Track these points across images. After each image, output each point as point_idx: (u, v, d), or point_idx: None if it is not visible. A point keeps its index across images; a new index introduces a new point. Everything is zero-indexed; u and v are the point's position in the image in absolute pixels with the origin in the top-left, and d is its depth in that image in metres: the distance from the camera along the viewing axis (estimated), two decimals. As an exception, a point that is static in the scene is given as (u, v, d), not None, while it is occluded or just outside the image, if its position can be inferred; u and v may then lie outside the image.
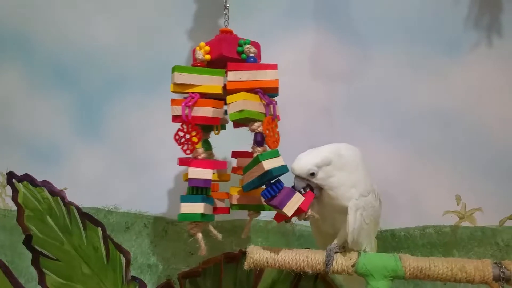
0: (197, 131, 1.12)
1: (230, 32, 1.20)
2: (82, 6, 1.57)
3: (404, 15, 1.40)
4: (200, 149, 1.15)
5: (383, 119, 1.42)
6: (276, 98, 1.18)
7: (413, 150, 1.40)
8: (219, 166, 1.19)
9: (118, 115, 1.56)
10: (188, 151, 1.13)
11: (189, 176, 1.12)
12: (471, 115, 1.37)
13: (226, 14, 1.26)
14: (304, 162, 1.03)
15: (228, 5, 1.26)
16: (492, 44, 1.35)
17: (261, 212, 1.24)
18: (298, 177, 1.04)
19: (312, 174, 1.02)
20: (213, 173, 1.21)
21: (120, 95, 1.56)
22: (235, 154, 1.27)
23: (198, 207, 1.11)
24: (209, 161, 1.15)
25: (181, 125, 1.12)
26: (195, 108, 1.11)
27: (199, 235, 1.14)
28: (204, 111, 1.12)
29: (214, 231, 1.19)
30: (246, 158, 1.22)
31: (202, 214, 1.11)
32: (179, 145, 1.12)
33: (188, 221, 1.12)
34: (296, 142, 1.36)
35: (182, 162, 1.18)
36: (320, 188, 1.04)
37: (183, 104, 1.10)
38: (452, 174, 1.37)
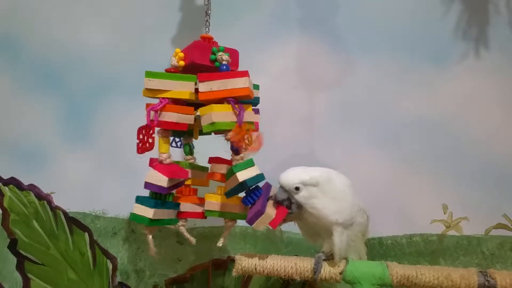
0: (153, 138, 1.14)
1: (210, 38, 1.20)
2: (70, 10, 1.57)
3: (392, 25, 1.42)
4: (165, 154, 1.16)
5: (370, 128, 1.43)
6: (259, 105, 1.18)
7: (400, 159, 1.41)
8: (178, 175, 1.17)
9: (106, 119, 1.56)
10: (139, 150, 1.16)
11: (145, 179, 1.13)
12: (457, 125, 1.39)
13: (207, 20, 1.26)
14: (292, 175, 1.03)
15: (209, 12, 1.26)
16: (479, 56, 1.38)
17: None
18: (282, 187, 1.04)
19: (297, 188, 1.02)
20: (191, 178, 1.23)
21: (108, 100, 1.55)
22: (211, 160, 1.27)
23: (147, 212, 1.13)
24: (171, 168, 1.15)
25: (144, 126, 1.14)
26: (162, 113, 1.12)
27: (150, 236, 1.17)
28: (170, 116, 1.13)
29: (187, 235, 1.21)
30: (219, 164, 1.22)
31: (151, 219, 1.12)
32: (137, 139, 1.15)
33: (137, 222, 1.15)
34: (279, 149, 1.37)
35: (151, 163, 1.20)
36: (300, 206, 1.04)
37: (148, 108, 1.11)
38: (439, 184, 1.39)
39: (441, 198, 1.38)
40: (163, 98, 1.13)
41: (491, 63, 1.37)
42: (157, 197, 1.15)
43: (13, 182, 1.47)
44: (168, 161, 1.16)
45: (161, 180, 1.11)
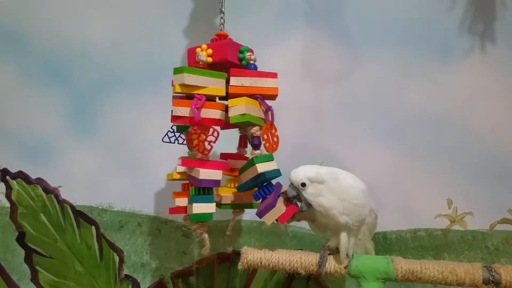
0: (214, 129, 1.14)
1: (226, 36, 1.21)
2: (76, 4, 1.57)
3: (398, 19, 1.41)
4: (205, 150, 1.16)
5: (375, 122, 1.43)
6: (270, 101, 1.19)
7: (405, 154, 1.41)
8: (225, 167, 1.20)
9: (112, 113, 1.56)
10: (206, 151, 1.14)
11: (201, 177, 1.12)
12: (462, 119, 1.38)
13: (222, 18, 1.27)
14: (299, 171, 1.04)
15: (223, 9, 1.27)
16: (485, 51, 1.37)
17: (249, 211, 1.27)
18: (291, 184, 1.05)
19: (303, 185, 1.03)
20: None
21: (114, 93, 1.56)
22: (224, 156, 1.29)
23: (211, 207, 1.14)
24: (217, 163, 1.17)
25: (192, 128, 1.12)
26: (203, 110, 1.12)
27: (205, 235, 1.17)
28: (213, 113, 1.14)
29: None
30: (235, 160, 1.26)
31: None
32: (193, 147, 1.13)
33: (202, 220, 1.15)
34: (286, 144, 1.37)
35: (186, 163, 1.18)
36: (309, 204, 1.05)
37: (193, 106, 1.09)
38: (443, 178, 1.39)
39: (446, 192, 1.38)
40: (199, 94, 1.12)
41: (496, 58, 1.36)
42: (207, 193, 1.16)
43: (21, 175, 1.49)
44: (208, 156, 1.17)
45: (217, 174, 1.14)
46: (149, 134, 1.51)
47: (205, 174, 1.13)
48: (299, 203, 1.05)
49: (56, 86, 1.59)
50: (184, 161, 1.19)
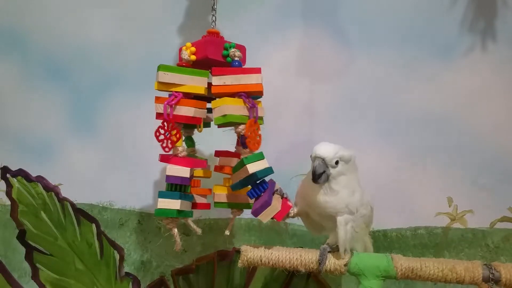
0: (177, 130, 1.14)
1: (217, 33, 1.21)
2: (76, 4, 1.57)
3: (398, 17, 1.41)
4: (180, 147, 1.17)
5: (374, 121, 1.43)
6: (262, 97, 1.19)
7: (405, 152, 1.41)
8: (198, 165, 1.20)
9: (112, 111, 1.56)
10: (167, 149, 1.15)
11: (167, 173, 1.14)
12: (463, 118, 1.38)
13: (213, 15, 1.27)
14: (333, 147, 1.03)
15: (215, 7, 1.27)
16: (486, 49, 1.37)
17: (244, 210, 1.26)
18: (322, 160, 1.02)
19: (337, 162, 1.02)
20: (195, 170, 1.24)
21: (114, 92, 1.56)
22: (218, 153, 1.29)
23: (174, 204, 1.13)
24: (188, 159, 1.17)
25: (162, 123, 1.13)
26: (178, 107, 1.13)
27: (175, 230, 1.18)
28: (186, 110, 1.14)
29: (194, 226, 1.22)
30: (228, 157, 1.25)
31: (178, 211, 1.14)
32: (158, 141, 1.14)
33: (165, 216, 1.15)
34: (280, 141, 1.38)
35: (163, 158, 1.20)
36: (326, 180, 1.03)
37: (165, 102, 1.11)
38: (444, 176, 1.39)
39: (446, 191, 1.38)
40: (176, 92, 1.13)
41: (498, 56, 1.36)
42: (178, 189, 1.16)
43: (21, 173, 1.49)
44: (183, 153, 1.17)
45: (184, 171, 1.14)
46: (149, 132, 1.50)
47: (171, 170, 1.13)
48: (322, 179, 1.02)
49: (57, 85, 1.59)
50: (162, 157, 1.20)
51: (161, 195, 1.15)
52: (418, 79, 1.40)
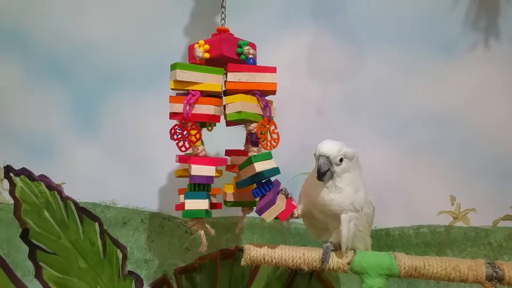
0: (197, 129, 1.12)
1: (227, 31, 1.20)
2: (78, 2, 1.57)
3: (402, 16, 1.41)
4: (200, 146, 1.15)
5: (378, 119, 1.43)
6: (271, 97, 1.19)
7: (408, 150, 1.41)
8: (221, 163, 1.18)
9: (115, 110, 1.56)
10: (183, 148, 1.14)
11: (192, 173, 1.11)
12: (466, 116, 1.38)
13: (223, 13, 1.25)
14: (337, 144, 1.03)
15: (225, 4, 1.26)
16: (489, 47, 1.36)
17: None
18: (327, 158, 1.02)
19: (341, 160, 1.02)
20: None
21: (116, 91, 1.56)
22: (228, 152, 1.28)
23: (203, 204, 1.11)
24: (210, 158, 1.16)
25: (180, 122, 1.12)
26: (196, 105, 1.11)
27: (202, 231, 1.15)
28: (206, 109, 1.12)
29: (208, 227, 1.21)
30: (240, 156, 1.24)
31: (207, 211, 1.12)
32: (174, 140, 1.13)
33: (192, 217, 1.13)
34: (290, 141, 1.37)
35: (182, 159, 1.18)
36: (330, 177, 1.03)
37: (185, 101, 1.09)
38: (447, 175, 1.39)
39: (449, 189, 1.38)
40: (193, 90, 1.11)
41: (501, 54, 1.36)
42: (203, 189, 1.15)
43: (24, 172, 1.49)
44: (204, 153, 1.15)
45: (210, 170, 1.12)
46: (152, 131, 1.52)
47: (197, 170, 1.11)
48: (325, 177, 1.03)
49: (59, 83, 1.59)
50: (180, 157, 1.19)
51: (188, 196, 1.12)
52: (422, 77, 1.40)
